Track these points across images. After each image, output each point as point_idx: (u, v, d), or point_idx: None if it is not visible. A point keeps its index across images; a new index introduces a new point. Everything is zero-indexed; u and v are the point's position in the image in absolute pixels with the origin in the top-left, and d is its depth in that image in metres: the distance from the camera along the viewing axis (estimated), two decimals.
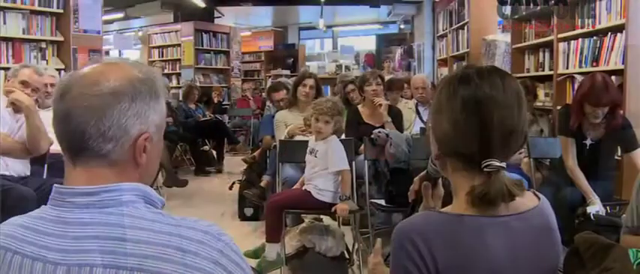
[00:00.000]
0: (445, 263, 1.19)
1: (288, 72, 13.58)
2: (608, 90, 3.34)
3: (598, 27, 4.32)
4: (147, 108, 1.06)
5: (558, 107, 4.79)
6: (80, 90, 1.02)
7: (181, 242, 0.98)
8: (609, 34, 4.16)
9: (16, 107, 3.33)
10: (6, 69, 4.89)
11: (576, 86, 4.53)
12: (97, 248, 0.96)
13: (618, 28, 4.05)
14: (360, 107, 4.54)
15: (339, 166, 3.49)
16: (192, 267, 0.96)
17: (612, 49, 4.12)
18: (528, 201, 1.29)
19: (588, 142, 3.52)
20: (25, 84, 3.47)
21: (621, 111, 3.56)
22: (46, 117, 3.61)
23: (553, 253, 1.30)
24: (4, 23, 5.42)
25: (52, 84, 4.10)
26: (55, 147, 3.58)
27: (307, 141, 3.73)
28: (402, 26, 12.65)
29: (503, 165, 1.22)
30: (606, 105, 3.36)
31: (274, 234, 3.50)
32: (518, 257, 1.23)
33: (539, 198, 1.32)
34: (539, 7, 5.06)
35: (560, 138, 3.63)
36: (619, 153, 3.77)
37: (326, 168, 3.52)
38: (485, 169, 1.21)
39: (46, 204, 1.05)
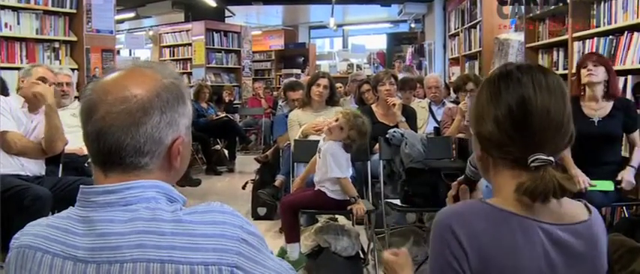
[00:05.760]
0: (484, 257, 1.12)
1: (299, 71, 13.58)
2: (596, 54, 3.44)
3: (614, 26, 4.27)
4: (177, 116, 1.07)
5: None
6: (107, 108, 1.01)
7: (206, 228, 0.98)
8: (626, 32, 4.11)
9: (32, 106, 3.33)
10: (20, 69, 4.89)
11: None
12: (124, 244, 0.97)
13: (635, 27, 4.00)
14: (373, 106, 4.51)
15: (336, 174, 3.40)
16: (220, 250, 0.97)
17: (629, 48, 4.07)
18: (579, 211, 1.21)
19: (596, 119, 3.38)
20: (43, 80, 3.47)
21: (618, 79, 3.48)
22: (60, 115, 3.62)
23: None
24: (18, 23, 5.44)
25: (67, 84, 4.11)
26: (70, 147, 3.62)
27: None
28: (412, 25, 12.60)
29: (551, 159, 1.15)
30: (597, 63, 3.34)
31: (293, 234, 3.46)
32: (556, 269, 1.15)
33: (590, 212, 1.23)
34: (536, 5, 4.99)
35: None
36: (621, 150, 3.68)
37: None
38: (532, 164, 1.15)
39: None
